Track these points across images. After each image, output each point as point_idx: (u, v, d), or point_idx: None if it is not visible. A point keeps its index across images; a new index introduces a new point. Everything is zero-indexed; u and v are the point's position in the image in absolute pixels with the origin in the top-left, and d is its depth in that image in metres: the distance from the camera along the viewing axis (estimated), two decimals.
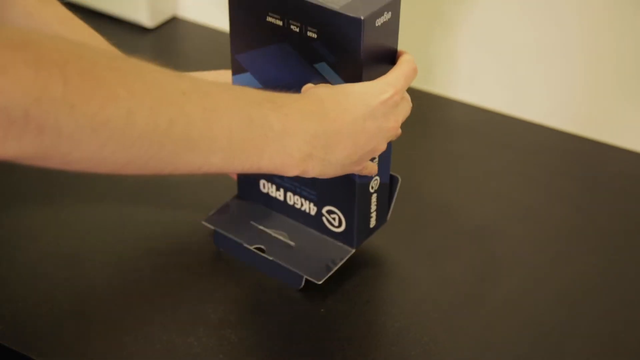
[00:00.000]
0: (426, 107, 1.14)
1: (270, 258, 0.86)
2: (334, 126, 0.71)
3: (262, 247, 0.87)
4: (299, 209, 0.87)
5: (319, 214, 0.86)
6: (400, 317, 0.84)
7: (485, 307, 0.86)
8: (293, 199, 0.87)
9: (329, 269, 0.84)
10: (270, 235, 0.88)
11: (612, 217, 0.98)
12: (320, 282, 0.83)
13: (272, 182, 0.88)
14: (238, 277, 0.88)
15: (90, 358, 0.79)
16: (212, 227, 0.89)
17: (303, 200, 0.86)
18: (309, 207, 0.86)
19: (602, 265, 0.91)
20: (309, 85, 0.76)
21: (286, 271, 0.85)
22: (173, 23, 1.29)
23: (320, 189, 0.85)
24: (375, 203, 0.85)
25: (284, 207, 0.88)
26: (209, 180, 0.98)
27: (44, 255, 0.89)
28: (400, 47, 0.78)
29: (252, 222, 0.89)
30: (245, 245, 0.87)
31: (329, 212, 0.85)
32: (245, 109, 0.66)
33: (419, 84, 1.15)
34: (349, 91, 0.73)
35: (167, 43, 1.26)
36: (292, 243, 0.87)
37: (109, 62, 0.58)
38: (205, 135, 0.63)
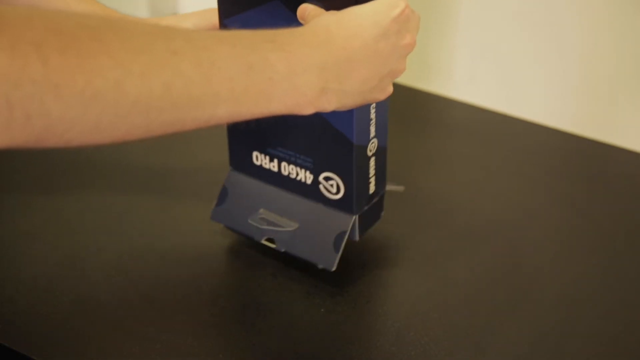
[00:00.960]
0: (426, 107, 1.14)
1: (282, 250, 0.86)
2: (344, 54, 0.67)
3: (272, 237, 0.87)
4: (295, 179, 0.86)
5: (315, 181, 0.85)
6: (400, 317, 0.84)
7: (485, 307, 0.86)
8: (288, 169, 0.86)
9: (337, 250, 0.84)
10: (274, 221, 0.87)
11: (612, 218, 0.98)
12: (333, 270, 0.84)
13: (266, 154, 0.86)
14: (238, 277, 0.88)
15: (90, 358, 0.79)
16: (219, 223, 0.90)
17: (298, 169, 0.85)
18: (305, 176, 0.85)
19: (602, 266, 0.91)
20: (305, 6, 0.73)
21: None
22: None
23: (316, 155, 0.83)
24: (374, 167, 0.84)
25: (278, 179, 0.87)
26: (211, 181, 0.98)
27: (44, 255, 0.89)
28: None
29: (253, 206, 0.88)
30: (256, 239, 0.87)
31: (327, 178, 0.84)
32: (244, 56, 0.62)
33: (418, 84, 1.15)
34: (357, 13, 0.69)
35: None
36: (295, 225, 0.86)
37: (91, 33, 0.55)
38: (205, 91, 0.60)
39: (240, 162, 0.89)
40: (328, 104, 0.68)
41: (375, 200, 0.86)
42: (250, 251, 0.91)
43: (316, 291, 0.86)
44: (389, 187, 0.88)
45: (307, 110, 0.67)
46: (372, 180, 0.85)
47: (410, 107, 1.13)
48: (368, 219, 0.87)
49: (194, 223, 0.94)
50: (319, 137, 0.82)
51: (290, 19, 0.77)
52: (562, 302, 0.87)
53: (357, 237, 0.86)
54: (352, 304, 0.85)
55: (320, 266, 0.85)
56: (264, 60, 0.63)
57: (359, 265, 0.89)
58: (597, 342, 0.83)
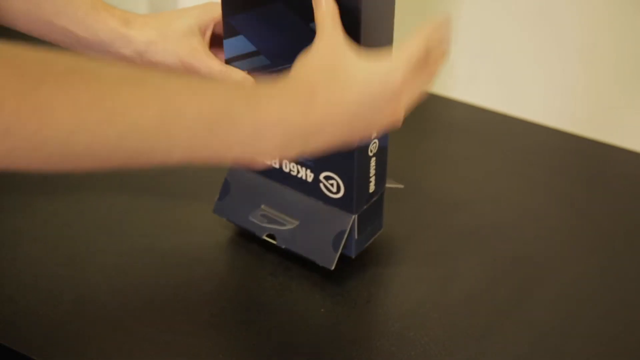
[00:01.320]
0: (426, 107, 1.14)
1: (283, 246, 0.86)
2: (319, 119, 0.65)
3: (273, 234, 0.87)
4: (296, 177, 0.86)
5: (316, 180, 0.85)
6: (400, 317, 0.84)
7: (485, 307, 0.86)
8: (289, 166, 0.86)
9: (337, 249, 0.84)
10: (275, 217, 0.88)
11: (612, 217, 0.98)
12: (332, 268, 0.84)
13: None
14: (238, 277, 0.88)
15: (90, 358, 0.79)
16: (222, 217, 0.90)
17: (299, 167, 0.85)
18: (306, 174, 0.85)
19: (602, 266, 0.91)
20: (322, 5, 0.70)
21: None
22: None
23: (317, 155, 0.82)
24: (374, 167, 0.84)
25: (280, 175, 0.87)
26: (211, 181, 0.98)
27: (44, 255, 0.89)
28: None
29: (254, 202, 0.89)
30: (257, 235, 0.88)
31: (327, 177, 0.84)
32: (213, 107, 0.61)
33: None
34: (347, 74, 0.66)
35: None
36: (295, 223, 0.87)
37: (55, 79, 0.55)
38: (162, 142, 0.60)
39: None
40: (289, 157, 0.70)
41: (375, 199, 0.87)
42: (250, 251, 0.91)
43: (316, 291, 0.86)
44: (389, 184, 0.88)
45: (264, 164, 0.68)
46: (372, 179, 0.85)
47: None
48: (368, 218, 0.87)
49: (194, 223, 0.94)
50: None
51: (291, 20, 0.77)
52: (562, 302, 0.87)
53: (353, 254, 0.87)
54: (352, 304, 0.85)
55: (320, 264, 0.85)
56: (231, 118, 0.62)
57: (359, 265, 0.89)
58: (597, 342, 0.83)
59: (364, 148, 0.81)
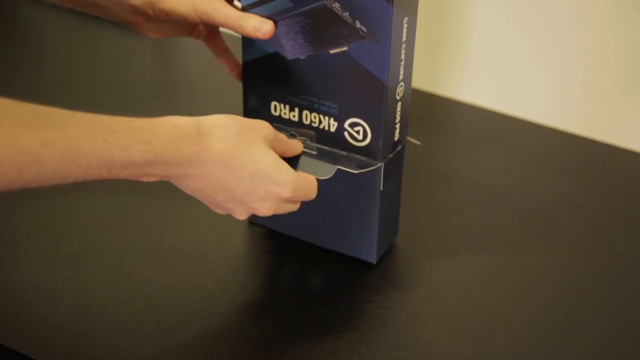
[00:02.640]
0: (425, 107, 1.14)
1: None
2: (202, 184, 0.73)
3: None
4: (317, 127, 0.84)
5: (340, 129, 0.82)
6: (400, 317, 0.84)
7: (485, 307, 0.86)
8: (310, 117, 0.84)
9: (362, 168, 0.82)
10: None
11: (612, 217, 0.98)
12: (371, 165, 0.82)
13: (286, 103, 0.84)
14: (238, 276, 0.88)
15: (90, 358, 0.79)
16: None
17: (322, 116, 0.83)
18: (329, 124, 0.83)
19: (602, 266, 0.91)
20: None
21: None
22: None
23: (342, 100, 0.81)
24: (400, 113, 0.82)
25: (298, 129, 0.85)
26: None
27: (44, 255, 0.89)
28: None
29: None
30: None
31: (353, 124, 0.82)
32: (111, 152, 0.67)
33: (418, 84, 1.15)
34: (244, 167, 0.73)
35: (167, 43, 1.26)
36: (316, 154, 0.84)
37: None
38: (58, 175, 0.65)
39: (256, 114, 0.87)
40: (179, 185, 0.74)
41: (398, 149, 0.84)
42: (250, 251, 0.91)
43: (316, 291, 0.86)
44: (409, 138, 0.87)
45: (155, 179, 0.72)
46: (398, 126, 0.83)
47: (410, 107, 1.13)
48: (392, 171, 0.84)
49: (195, 223, 0.94)
50: (348, 80, 0.80)
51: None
52: (563, 302, 0.87)
53: (374, 259, 0.87)
54: (352, 304, 0.85)
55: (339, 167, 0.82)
56: (128, 160, 0.68)
57: (359, 265, 0.89)
58: (597, 342, 0.83)
59: (391, 92, 0.79)
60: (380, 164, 0.82)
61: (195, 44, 1.27)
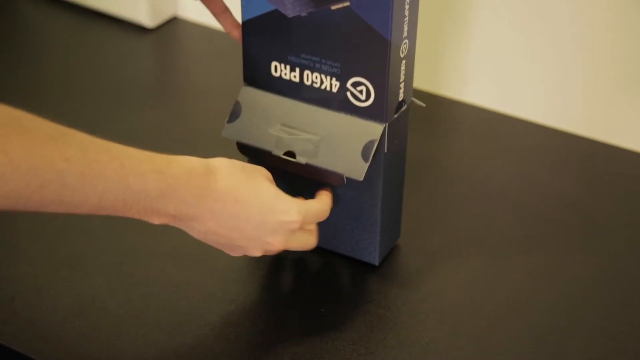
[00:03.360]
0: (427, 107, 1.14)
1: (304, 162, 0.82)
2: (208, 209, 0.74)
3: (291, 151, 0.82)
4: (319, 89, 0.82)
5: (342, 89, 0.80)
6: (400, 317, 0.84)
7: (485, 307, 0.86)
8: (311, 78, 0.82)
9: (366, 160, 0.80)
10: (295, 134, 0.83)
11: (612, 217, 0.98)
12: (361, 179, 0.80)
13: (286, 63, 0.82)
14: (238, 276, 0.88)
15: (91, 358, 0.79)
16: (232, 139, 0.85)
17: (323, 76, 0.81)
18: (331, 84, 0.81)
19: (602, 266, 0.91)
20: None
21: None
22: (173, 23, 1.29)
23: (345, 59, 0.79)
24: (404, 71, 0.80)
25: (299, 91, 0.83)
26: None
27: (44, 255, 0.89)
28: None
29: (270, 122, 0.84)
30: (274, 153, 0.83)
31: (355, 84, 0.80)
32: (127, 177, 0.68)
33: (418, 84, 1.15)
34: (252, 201, 0.75)
35: (167, 43, 1.26)
36: (318, 138, 0.82)
37: None
38: (76, 197, 0.66)
39: (256, 75, 0.85)
40: (175, 225, 0.75)
41: (402, 109, 0.83)
42: None
43: (316, 291, 0.86)
44: (414, 99, 0.85)
45: (155, 222, 0.74)
46: (402, 85, 0.81)
47: (410, 107, 1.13)
48: (396, 134, 0.83)
49: None
50: (350, 37, 0.78)
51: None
52: (563, 302, 0.87)
53: (377, 261, 0.88)
54: (352, 304, 0.85)
55: (347, 176, 0.81)
56: (142, 188, 0.70)
57: (359, 265, 0.89)
58: (597, 342, 0.83)
59: (395, 49, 0.78)
60: (384, 125, 0.80)
61: (195, 44, 1.28)
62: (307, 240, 0.81)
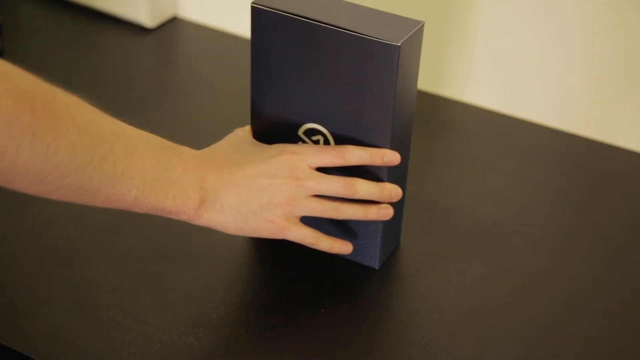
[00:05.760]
0: (425, 107, 1.14)
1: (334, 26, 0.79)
2: (222, 174, 0.78)
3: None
4: None
5: None
6: (400, 317, 0.84)
7: (485, 308, 0.86)
8: None
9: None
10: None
11: (612, 217, 0.98)
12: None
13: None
14: (239, 276, 0.88)
15: (90, 358, 0.79)
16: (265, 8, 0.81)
17: None
18: None
19: (602, 265, 0.91)
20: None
21: None
22: (173, 23, 1.29)
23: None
24: None
25: None
26: None
27: (44, 255, 0.89)
28: None
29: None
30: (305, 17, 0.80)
31: None
32: (155, 152, 0.74)
33: (422, 86, 1.15)
34: (245, 150, 0.82)
35: (167, 43, 1.26)
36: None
37: (62, 98, 0.66)
38: (126, 172, 0.71)
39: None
40: (208, 215, 0.78)
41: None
42: (252, 252, 0.91)
43: (316, 291, 0.86)
44: None
45: (190, 214, 0.77)
46: None
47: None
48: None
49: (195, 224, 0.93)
50: None
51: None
52: (562, 302, 0.87)
53: (377, 265, 0.88)
54: (352, 304, 0.85)
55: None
56: (168, 161, 0.75)
57: (359, 266, 0.89)
58: (597, 342, 0.83)
59: None
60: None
61: (195, 44, 1.28)
62: (313, 205, 0.81)
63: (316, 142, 0.84)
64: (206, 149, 0.82)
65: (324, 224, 0.87)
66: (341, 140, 0.83)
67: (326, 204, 0.81)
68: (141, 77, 1.19)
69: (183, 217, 0.77)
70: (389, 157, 0.81)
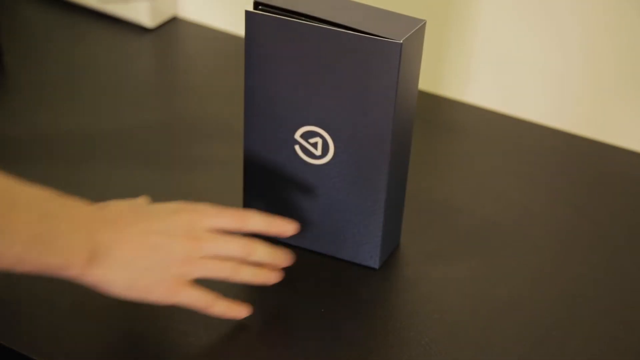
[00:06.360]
0: (425, 107, 1.14)
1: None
2: (114, 228, 0.75)
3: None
4: None
5: None
6: (400, 317, 0.84)
7: (485, 307, 0.86)
8: None
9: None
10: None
11: (612, 217, 0.98)
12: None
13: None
14: None
15: (90, 358, 0.79)
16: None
17: None
18: None
19: (602, 265, 0.91)
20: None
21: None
22: (173, 23, 1.29)
23: None
24: None
25: None
26: (212, 181, 0.98)
27: None
28: None
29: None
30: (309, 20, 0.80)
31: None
32: (40, 204, 0.71)
33: (422, 86, 1.15)
34: (140, 207, 0.78)
35: (167, 43, 1.26)
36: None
37: None
38: (6, 227, 0.68)
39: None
40: (100, 272, 0.74)
41: None
42: None
43: (316, 291, 0.86)
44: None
45: (83, 273, 0.74)
46: None
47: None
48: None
49: None
50: None
51: None
52: (562, 302, 0.87)
53: (377, 264, 0.88)
54: (352, 304, 0.85)
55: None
56: (54, 214, 0.72)
57: (359, 265, 0.89)
58: (597, 342, 0.83)
59: None
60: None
61: (195, 44, 1.28)
62: (232, 246, 0.78)
63: (314, 145, 0.84)
64: (98, 204, 0.78)
65: (324, 224, 0.87)
66: (341, 141, 0.83)
67: (223, 266, 0.78)
68: (141, 77, 1.19)
69: (71, 274, 0.74)
70: (287, 228, 0.81)
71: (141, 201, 0.81)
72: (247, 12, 0.80)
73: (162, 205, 0.79)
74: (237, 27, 1.25)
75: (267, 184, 0.88)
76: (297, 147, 0.85)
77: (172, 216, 0.77)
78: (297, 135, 0.84)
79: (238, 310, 0.81)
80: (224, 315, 0.80)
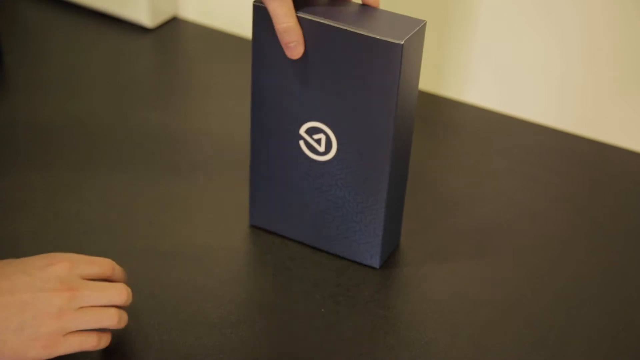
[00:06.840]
0: (425, 107, 1.14)
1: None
2: None
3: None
4: None
5: None
6: (400, 317, 0.84)
7: (485, 307, 0.86)
8: None
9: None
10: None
11: (612, 217, 0.98)
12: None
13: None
14: (239, 276, 0.88)
15: (90, 358, 0.79)
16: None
17: None
18: None
19: (602, 265, 0.91)
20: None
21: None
22: (173, 23, 1.29)
23: None
24: None
25: None
26: (211, 180, 0.98)
27: None
28: None
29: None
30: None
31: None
32: None
33: (422, 86, 1.15)
34: (2, 263, 0.75)
35: (167, 43, 1.26)
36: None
37: None
38: None
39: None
40: None
41: None
42: (251, 252, 0.91)
43: (316, 291, 0.86)
44: None
45: None
46: None
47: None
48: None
49: (195, 224, 0.94)
50: None
51: None
52: (562, 302, 0.87)
53: (378, 264, 0.88)
54: (352, 304, 0.85)
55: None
56: None
57: (359, 265, 0.89)
58: (597, 342, 0.83)
59: None
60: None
61: (195, 44, 1.28)
62: (96, 296, 0.75)
63: (318, 141, 0.84)
64: None
65: (326, 221, 0.87)
66: (343, 138, 0.83)
67: (106, 315, 0.75)
68: (141, 77, 1.19)
69: None
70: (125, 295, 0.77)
71: (8, 260, 0.77)
72: (254, 6, 0.81)
73: (30, 260, 0.75)
74: (237, 27, 1.25)
75: (272, 177, 0.89)
76: (301, 143, 0.85)
77: (42, 269, 0.74)
78: (302, 131, 0.85)
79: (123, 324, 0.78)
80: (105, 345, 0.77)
